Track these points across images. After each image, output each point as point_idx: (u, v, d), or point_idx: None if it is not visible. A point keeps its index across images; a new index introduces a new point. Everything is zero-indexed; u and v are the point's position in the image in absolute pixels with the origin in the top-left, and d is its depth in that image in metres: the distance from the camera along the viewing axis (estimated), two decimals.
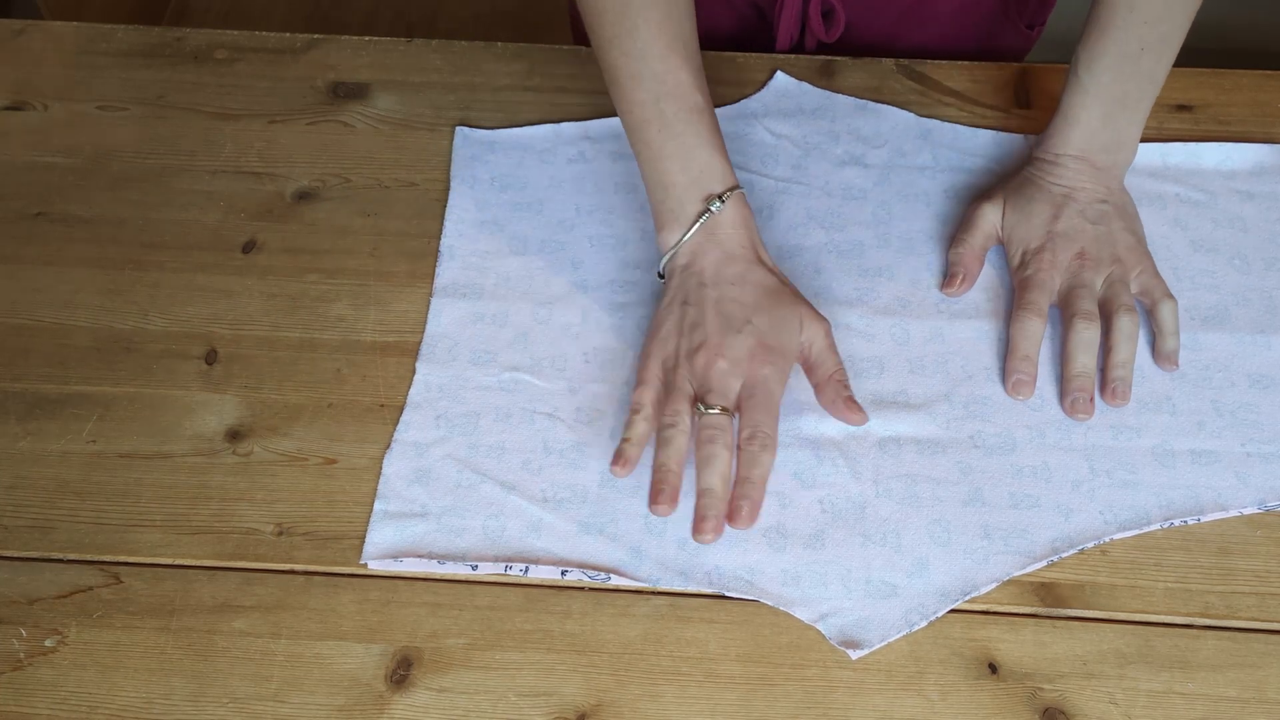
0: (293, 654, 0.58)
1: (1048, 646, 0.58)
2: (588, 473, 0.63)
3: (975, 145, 0.78)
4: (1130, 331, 0.66)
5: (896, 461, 0.63)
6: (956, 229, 0.72)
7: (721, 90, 0.80)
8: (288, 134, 0.79)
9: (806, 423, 0.65)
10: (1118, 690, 0.56)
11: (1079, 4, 0.70)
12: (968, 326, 0.69)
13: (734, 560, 0.60)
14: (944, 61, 0.82)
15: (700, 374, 0.61)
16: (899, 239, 0.73)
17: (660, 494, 0.58)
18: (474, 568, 0.60)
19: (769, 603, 0.59)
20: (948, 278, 0.70)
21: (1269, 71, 0.81)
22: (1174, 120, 0.79)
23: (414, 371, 0.67)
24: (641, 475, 0.63)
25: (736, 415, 0.61)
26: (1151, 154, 0.76)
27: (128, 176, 0.77)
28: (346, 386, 0.67)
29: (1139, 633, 0.58)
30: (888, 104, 0.80)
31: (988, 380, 0.67)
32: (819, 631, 0.58)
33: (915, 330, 0.69)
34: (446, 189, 0.76)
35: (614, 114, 0.79)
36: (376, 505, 0.62)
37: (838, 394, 0.63)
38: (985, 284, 0.71)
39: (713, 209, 0.64)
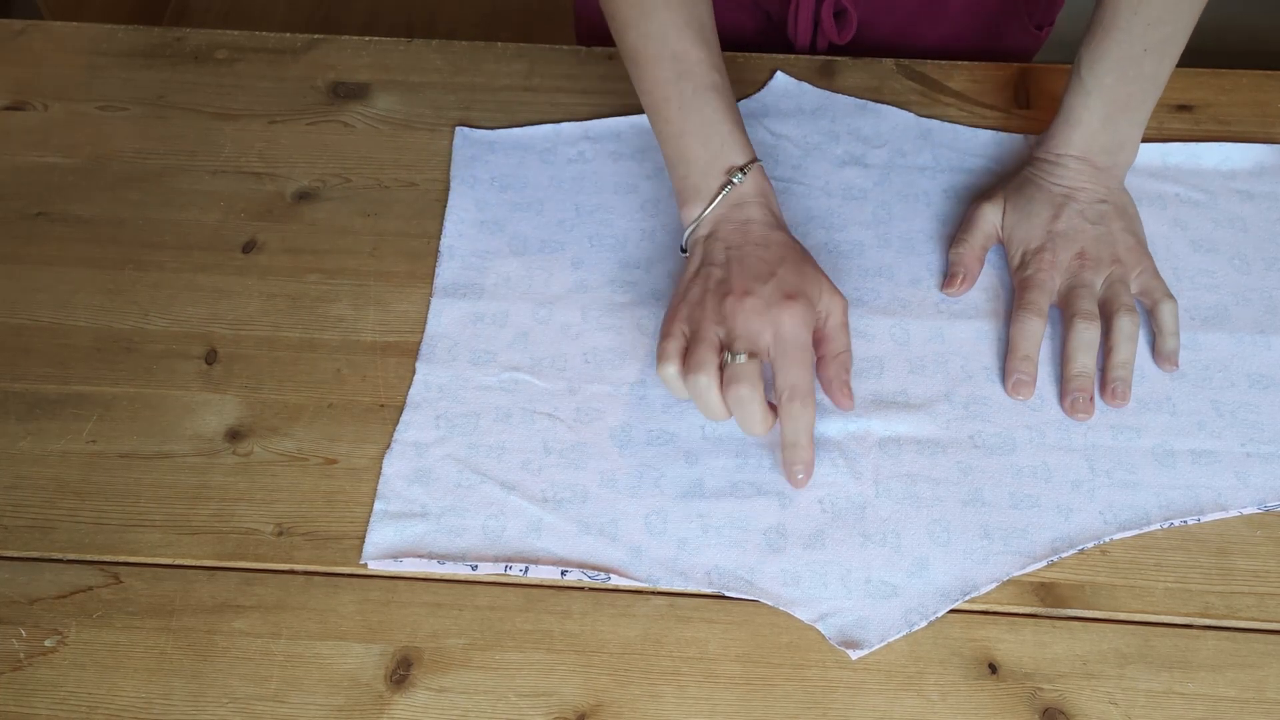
0: (292, 654, 0.58)
1: (1048, 646, 0.58)
2: (588, 473, 0.63)
3: (975, 145, 0.78)
4: (1130, 332, 0.66)
5: (896, 461, 0.63)
6: (956, 229, 0.72)
7: None
8: (288, 134, 0.79)
9: None
10: (1118, 690, 0.56)
11: (1083, 5, 0.70)
12: (968, 326, 0.69)
13: (734, 560, 0.60)
14: (944, 61, 0.82)
15: (728, 317, 0.61)
16: (899, 239, 0.73)
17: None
18: (474, 568, 0.60)
19: (769, 603, 0.59)
20: (948, 278, 0.70)
21: (1269, 71, 0.81)
22: (1174, 120, 0.79)
23: (414, 371, 0.67)
24: (641, 475, 0.63)
25: (766, 365, 0.61)
26: (1151, 154, 0.76)
27: (128, 176, 0.77)
28: (346, 386, 0.67)
29: (1139, 633, 0.58)
30: (888, 104, 0.80)
31: (988, 380, 0.67)
32: (819, 631, 0.58)
33: (915, 330, 0.69)
34: (446, 189, 0.76)
35: (614, 114, 0.79)
36: (376, 505, 0.62)
37: (838, 374, 0.63)
38: (985, 284, 0.71)
39: (735, 181, 0.65)
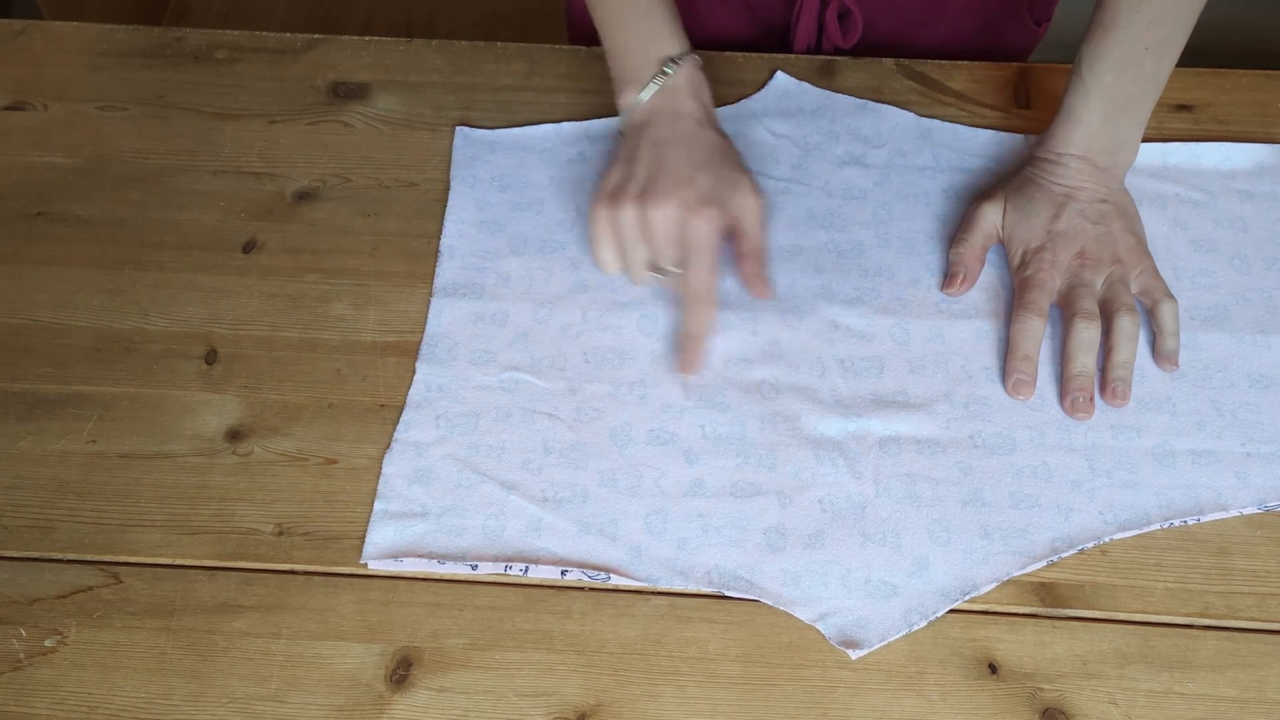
0: (292, 654, 0.58)
1: (1048, 646, 0.58)
2: (588, 473, 0.63)
3: (975, 145, 0.78)
4: (1130, 331, 0.66)
5: (896, 461, 0.63)
6: (957, 229, 0.72)
7: (721, 90, 0.80)
8: (288, 134, 0.79)
9: (806, 422, 0.65)
10: (1118, 690, 0.56)
11: (1081, 4, 0.70)
12: (968, 326, 0.69)
13: (734, 560, 0.60)
14: (944, 61, 0.82)
15: (648, 224, 0.66)
16: (899, 239, 0.73)
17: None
18: (474, 568, 0.60)
19: (769, 603, 0.59)
20: (948, 278, 0.70)
21: (1269, 71, 0.81)
22: (1174, 120, 0.79)
23: (414, 371, 0.67)
24: (642, 474, 0.63)
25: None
26: (1151, 154, 0.76)
27: (128, 176, 0.77)
28: (346, 386, 0.67)
29: (1139, 633, 0.58)
30: (888, 104, 0.80)
31: (988, 380, 0.67)
32: (819, 631, 0.58)
33: (915, 330, 0.69)
34: (446, 189, 0.76)
35: (614, 114, 0.79)
36: (376, 505, 0.62)
37: (755, 269, 0.68)
38: (985, 284, 0.71)
39: (667, 70, 0.68)
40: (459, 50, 0.84)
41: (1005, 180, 0.73)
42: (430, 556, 0.60)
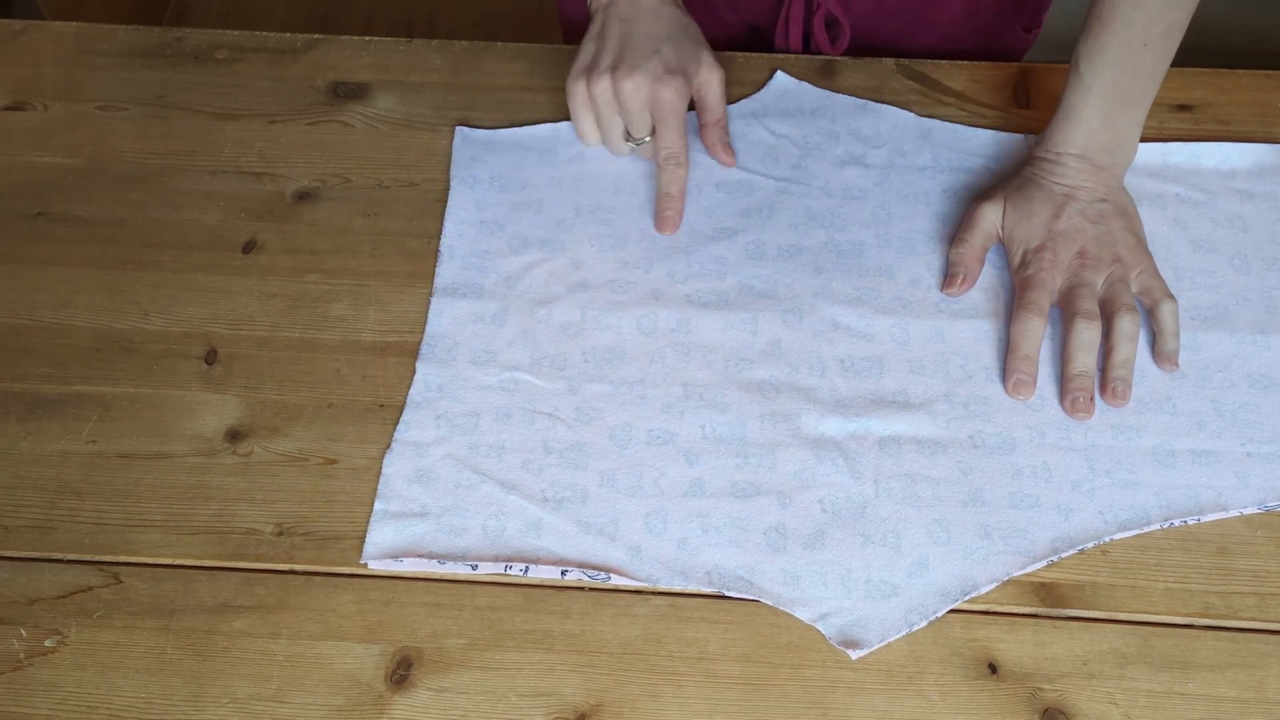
0: (292, 654, 0.58)
1: (1048, 646, 0.58)
2: (588, 473, 0.63)
3: (975, 145, 0.78)
4: (1131, 331, 0.66)
5: (896, 461, 0.63)
6: (957, 229, 0.72)
7: None
8: (288, 134, 0.79)
9: (806, 422, 0.65)
10: (1118, 690, 0.56)
11: (1078, 4, 0.70)
12: (968, 326, 0.69)
13: (734, 560, 0.60)
14: (944, 61, 0.82)
15: (619, 97, 0.72)
16: (899, 239, 0.73)
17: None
18: (474, 568, 0.60)
19: (769, 603, 0.59)
20: (948, 278, 0.70)
21: (1269, 71, 0.81)
22: (1174, 120, 0.79)
23: (414, 371, 0.67)
24: (642, 474, 0.63)
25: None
26: (1151, 154, 0.76)
27: (128, 176, 0.77)
28: (346, 386, 0.67)
29: (1139, 633, 0.58)
30: (888, 104, 0.80)
31: (988, 380, 0.67)
32: (819, 631, 0.58)
33: (915, 330, 0.69)
34: (446, 189, 0.76)
35: None
36: (376, 505, 0.62)
37: (720, 138, 0.75)
38: (985, 284, 0.71)
39: None
40: (459, 50, 0.84)
41: (1005, 180, 0.73)
42: (430, 556, 0.60)
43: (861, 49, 0.87)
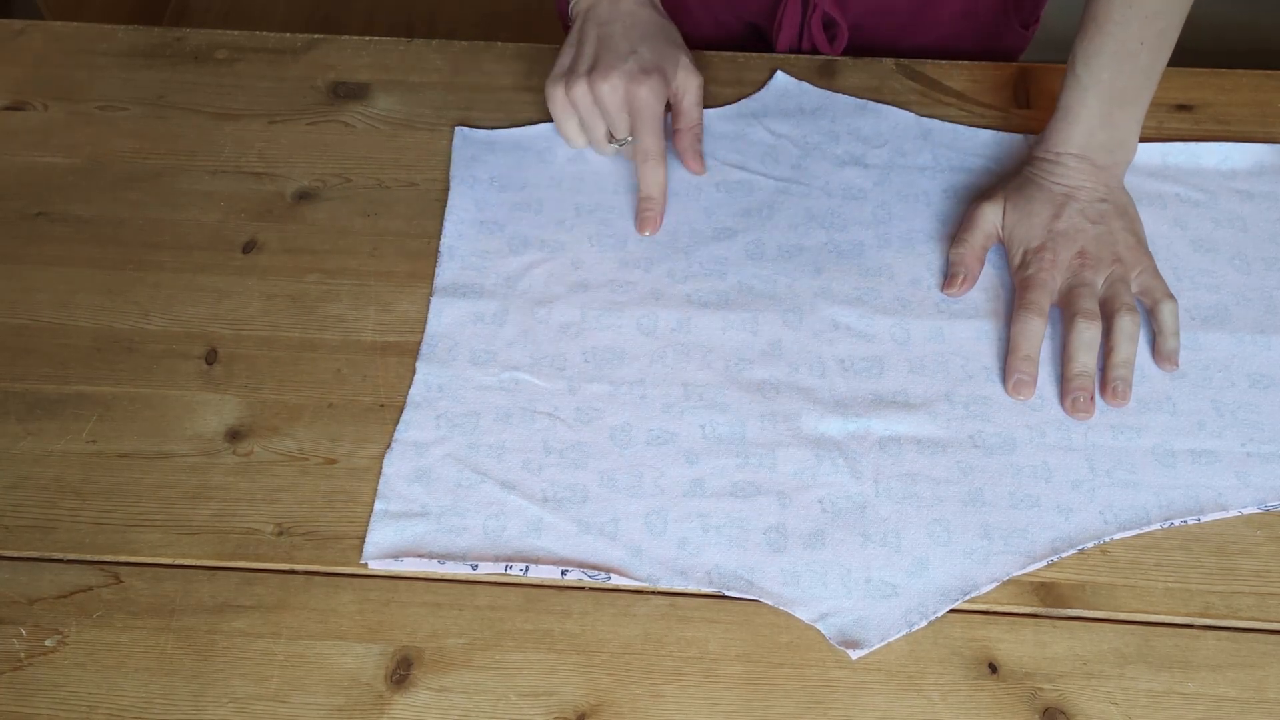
0: (293, 654, 0.58)
1: (1048, 646, 0.58)
2: (588, 473, 0.63)
3: (975, 145, 0.78)
4: (1131, 331, 0.66)
5: (896, 461, 0.63)
6: (957, 229, 0.72)
7: (721, 90, 0.81)
8: (288, 134, 0.79)
9: (806, 422, 0.65)
10: (1118, 690, 0.56)
11: (1078, 2, 0.70)
12: (968, 326, 0.69)
13: (734, 560, 0.60)
14: (944, 61, 0.82)
15: (598, 99, 0.72)
16: (899, 239, 0.73)
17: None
18: (474, 567, 0.60)
19: (769, 602, 0.59)
20: (948, 278, 0.70)
21: (1269, 71, 0.81)
22: (1174, 120, 0.79)
23: (414, 371, 0.67)
24: (642, 474, 0.63)
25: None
26: (1151, 154, 0.76)
27: (128, 176, 0.77)
28: (346, 386, 0.67)
29: (1139, 633, 0.58)
30: (888, 104, 0.80)
31: (988, 380, 0.67)
32: (819, 631, 0.58)
33: (915, 330, 0.69)
34: (446, 189, 0.76)
35: None
36: (376, 505, 0.62)
37: (691, 145, 0.75)
38: (985, 284, 0.71)
39: None
40: (459, 50, 0.84)
41: (1005, 180, 0.73)
42: (430, 556, 0.60)
43: (859, 49, 0.87)
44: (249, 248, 0.73)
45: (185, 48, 0.84)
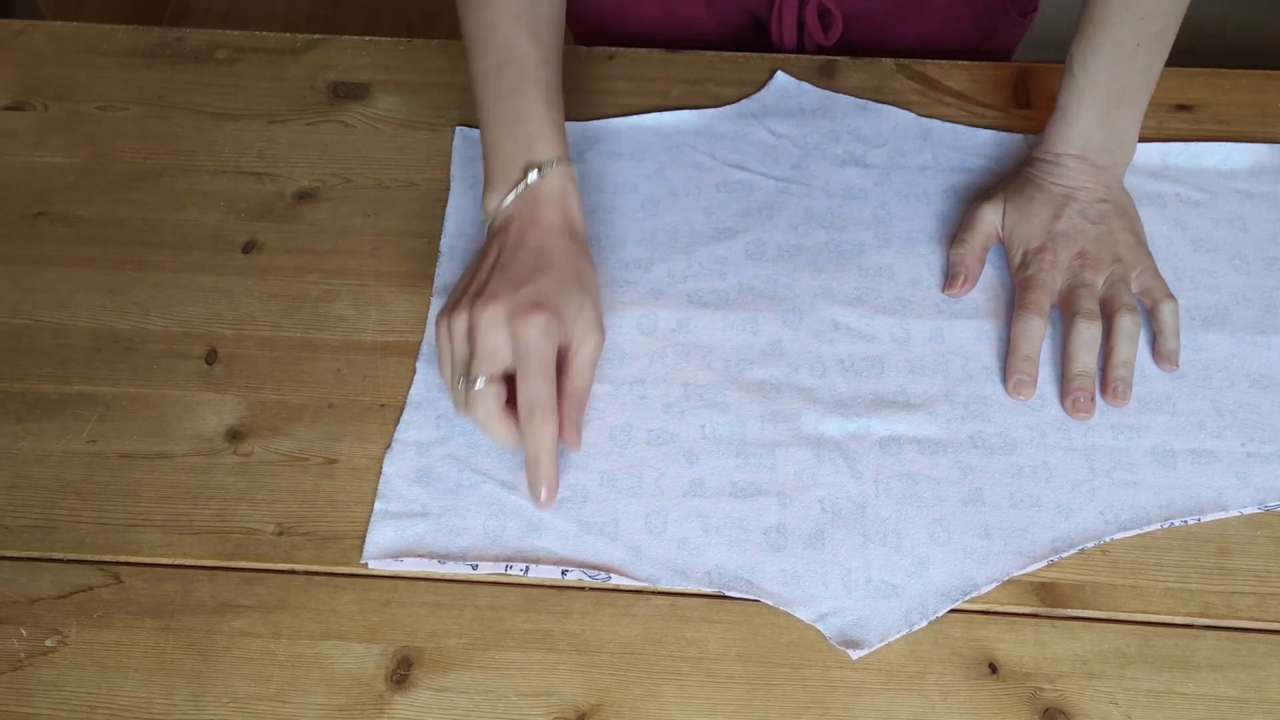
0: (293, 654, 0.58)
1: (1048, 646, 0.58)
2: (588, 473, 0.63)
3: (975, 145, 0.78)
4: (1131, 331, 0.66)
5: (896, 461, 0.63)
6: (957, 229, 0.72)
7: (721, 90, 0.81)
8: (288, 134, 0.79)
9: (806, 422, 0.65)
10: (1118, 690, 0.56)
11: (1075, 2, 0.70)
12: (968, 326, 0.69)
13: (734, 560, 0.60)
14: (944, 61, 0.82)
15: (474, 327, 0.60)
16: (899, 239, 0.73)
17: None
18: (474, 567, 0.60)
19: (769, 602, 0.59)
20: (949, 279, 0.70)
21: (1269, 71, 0.81)
22: (1174, 120, 0.79)
23: (414, 371, 0.67)
24: (642, 474, 0.63)
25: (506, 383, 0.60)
26: (1151, 154, 0.76)
27: (128, 176, 0.77)
28: (346, 386, 0.67)
29: (1139, 633, 0.58)
30: (888, 104, 0.80)
31: (988, 380, 0.67)
32: (819, 631, 0.58)
33: (915, 330, 0.69)
34: (446, 189, 0.76)
35: (614, 114, 0.79)
36: (377, 505, 0.62)
37: (570, 413, 0.62)
38: (985, 284, 0.71)
39: (528, 179, 0.64)
40: (459, 50, 0.83)
41: (1005, 181, 0.73)
42: (430, 556, 0.60)
43: (855, 37, 0.87)
44: (249, 248, 0.73)
45: (185, 48, 0.84)
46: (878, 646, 0.57)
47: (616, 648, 0.58)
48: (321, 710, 0.56)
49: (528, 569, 0.60)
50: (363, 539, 0.61)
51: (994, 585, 0.59)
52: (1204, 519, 0.62)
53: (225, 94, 0.81)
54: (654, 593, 0.60)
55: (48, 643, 0.58)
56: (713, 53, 0.83)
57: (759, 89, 0.81)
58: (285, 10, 1.99)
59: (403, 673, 0.57)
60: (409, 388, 0.66)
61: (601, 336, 0.63)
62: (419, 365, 0.67)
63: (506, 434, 0.60)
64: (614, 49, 0.83)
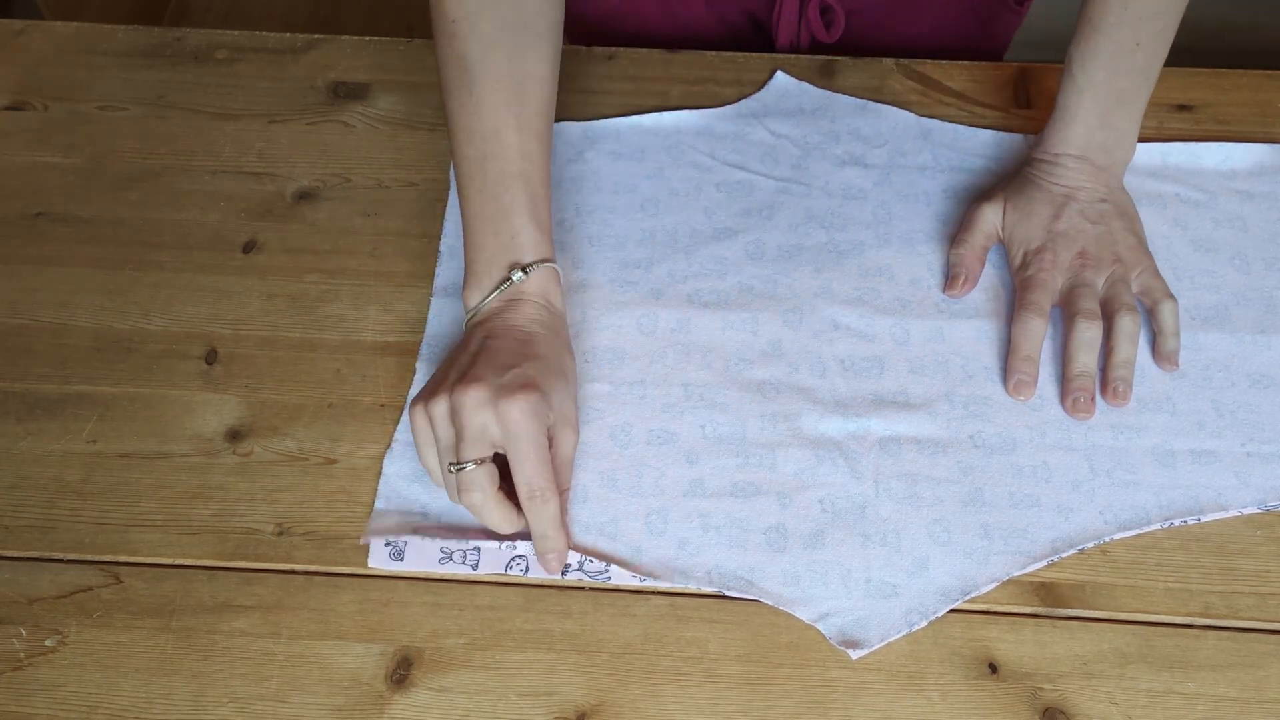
0: (293, 654, 0.58)
1: (1048, 646, 0.58)
2: (588, 473, 0.63)
3: (975, 145, 0.78)
4: (1131, 331, 0.66)
5: (896, 461, 0.63)
6: (957, 229, 0.72)
7: (721, 90, 0.81)
8: (288, 134, 0.79)
9: (806, 422, 0.65)
10: (1118, 690, 0.56)
11: (1075, 2, 0.70)
12: (968, 326, 0.69)
13: (734, 560, 0.60)
14: (944, 61, 0.82)
15: (457, 411, 0.57)
16: (899, 239, 0.73)
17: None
18: (474, 568, 0.60)
19: (769, 603, 0.59)
20: (949, 279, 0.70)
21: (1269, 71, 0.81)
22: (1174, 120, 0.79)
23: (414, 371, 0.67)
24: (642, 474, 0.63)
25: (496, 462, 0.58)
26: (1151, 154, 0.76)
27: (128, 176, 0.77)
28: (346, 386, 0.67)
29: (1139, 633, 0.58)
30: (888, 104, 0.80)
31: (988, 380, 0.67)
32: (819, 631, 0.58)
33: (915, 330, 0.69)
34: (446, 189, 0.76)
35: (614, 114, 0.79)
36: (377, 505, 0.62)
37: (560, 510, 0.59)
38: (986, 284, 0.71)
39: (513, 278, 0.62)
40: None
41: (1005, 181, 0.73)
42: (434, 531, 0.60)
43: (856, 34, 0.87)
44: (249, 248, 0.73)
45: (185, 48, 0.84)
46: (878, 646, 0.57)
47: (616, 648, 0.58)
48: (321, 710, 0.56)
49: (528, 569, 0.60)
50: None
51: (994, 585, 0.59)
52: (1204, 519, 0.62)
53: (225, 94, 0.81)
54: (654, 593, 0.60)
55: (48, 643, 0.58)
56: (713, 53, 0.83)
57: (759, 89, 0.81)
58: (285, 10, 1.99)
59: (402, 673, 0.57)
60: (409, 388, 0.66)
61: (576, 435, 0.62)
62: (419, 365, 0.67)
63: (503, 517, 0.58)
64: (614, 49, 0.83)
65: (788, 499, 0.62)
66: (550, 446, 0.59)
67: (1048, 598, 0.59)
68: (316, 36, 0.85)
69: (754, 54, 0.83)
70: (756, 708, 0.56)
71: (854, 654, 0.57)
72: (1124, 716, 0.56)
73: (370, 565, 0.60)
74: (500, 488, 0.58)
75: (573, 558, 0.60)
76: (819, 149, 0.77)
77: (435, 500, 0.62)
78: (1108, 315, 0.67)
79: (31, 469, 0.64)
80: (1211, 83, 0.81)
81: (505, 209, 0.63)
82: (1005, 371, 0.67)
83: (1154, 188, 0.75)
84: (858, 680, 0.57)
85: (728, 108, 0.79)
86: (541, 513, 0.58)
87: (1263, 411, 0.65)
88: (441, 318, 0.69)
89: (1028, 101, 0.80)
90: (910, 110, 0.79)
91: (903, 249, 0.73)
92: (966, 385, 0.66)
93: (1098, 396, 0.65)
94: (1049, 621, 0.59)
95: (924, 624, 0.58)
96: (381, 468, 0.63)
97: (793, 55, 0.84)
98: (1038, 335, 0.66)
